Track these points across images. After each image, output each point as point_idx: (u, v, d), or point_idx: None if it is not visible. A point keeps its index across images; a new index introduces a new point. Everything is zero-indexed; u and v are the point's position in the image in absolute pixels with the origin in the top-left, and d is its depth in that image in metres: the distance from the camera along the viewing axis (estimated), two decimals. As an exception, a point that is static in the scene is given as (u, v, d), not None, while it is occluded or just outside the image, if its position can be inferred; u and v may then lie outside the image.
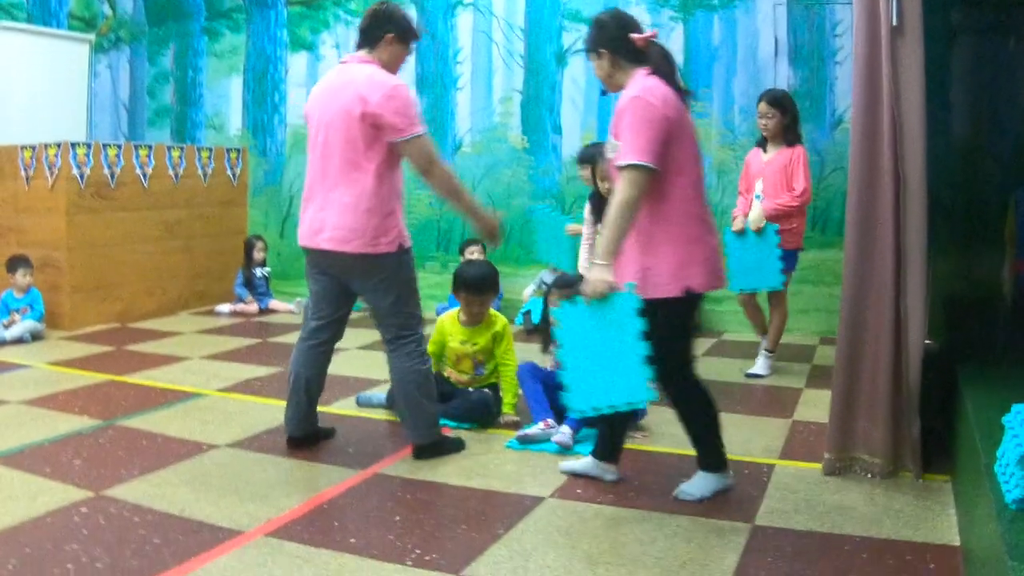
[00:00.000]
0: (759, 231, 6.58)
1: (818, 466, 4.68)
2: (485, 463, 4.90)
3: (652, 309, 4.01)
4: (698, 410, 4.38)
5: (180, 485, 4.56)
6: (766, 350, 6.83)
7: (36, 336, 8.32)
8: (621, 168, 3.99)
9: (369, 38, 4.88)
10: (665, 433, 5.37)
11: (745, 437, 5.28)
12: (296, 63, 10.98)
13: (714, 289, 4.21)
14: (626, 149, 4.00)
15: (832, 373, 4.70)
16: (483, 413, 5.56)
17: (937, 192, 6.74)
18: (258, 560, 3.67)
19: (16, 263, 8.51)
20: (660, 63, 4.20)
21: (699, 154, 4.25)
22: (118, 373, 6.93)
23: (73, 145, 8.76)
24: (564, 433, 5.10)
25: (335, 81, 4.84)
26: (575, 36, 9.43)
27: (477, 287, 5.61)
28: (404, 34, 4.92)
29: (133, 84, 12.05)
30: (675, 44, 8.99)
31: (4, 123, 9.90)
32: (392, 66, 4.88)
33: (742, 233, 6.68)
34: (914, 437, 4.46)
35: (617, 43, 4.26)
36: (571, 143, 9.51)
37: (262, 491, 4.48)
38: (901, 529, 3.92)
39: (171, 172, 9.80)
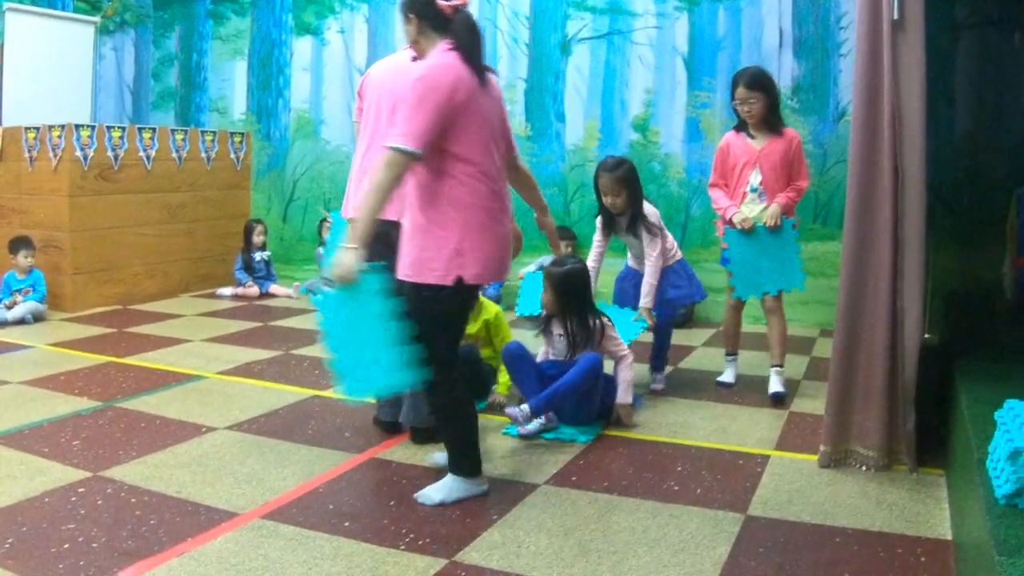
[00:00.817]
0: (775, 228, 5.83)
1: (814, 458, 4.69)
2: (480, 449, 4.91)
3: (423, 294, 3.96)
4: (455, 409, 4.23)
5: (177, 467, 4.58)
6: (776, 365, 5.97)
7: (38, 317, 8.34)
8: (386, 147, 3.81)
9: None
10: (661, 423, 5.39)
11: (741, 428, 5.30)
12: (301, 47, 10.97)
13: (490, 281, 4.07)
14: (396, 130, 3.83)
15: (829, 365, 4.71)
16: (475, 374, 5.51)
17: (939, 187, 6.75)
18: (253, 542, 3.69)
19: (19, 244, 8.53)
20: (463, 36, 4.00)
21: (493, 138, 4.06)
22: (118, 355, 6.95)
23: (77, 127, 8.76)
24: (522, 410, 5.08)
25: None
26: (580, 25, 9.43)
27: None
28: (428, 9, 4.72)
29: (138, 67, 12.05)
30: (680, 34, 9.00)
31: (9, 104, 9.91)
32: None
33: (751, 231, 5.89)
34: (909, 431, 4.46)
35: (424, 8, 4.03)
36: (574, 131, 9.53)
37: (259, 474, 4.50)
38: (894, 522, 3.93)
39: (175, 155, 9.82)
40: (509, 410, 5.08)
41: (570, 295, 5.26)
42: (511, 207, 4.25)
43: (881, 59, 4.34)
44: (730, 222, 5.95)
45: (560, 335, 5.30)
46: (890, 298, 4.39)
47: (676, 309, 6.26)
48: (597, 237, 6.12)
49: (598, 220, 6.10)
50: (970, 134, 7.60)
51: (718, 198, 6.13)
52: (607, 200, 5.89)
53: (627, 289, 6.15)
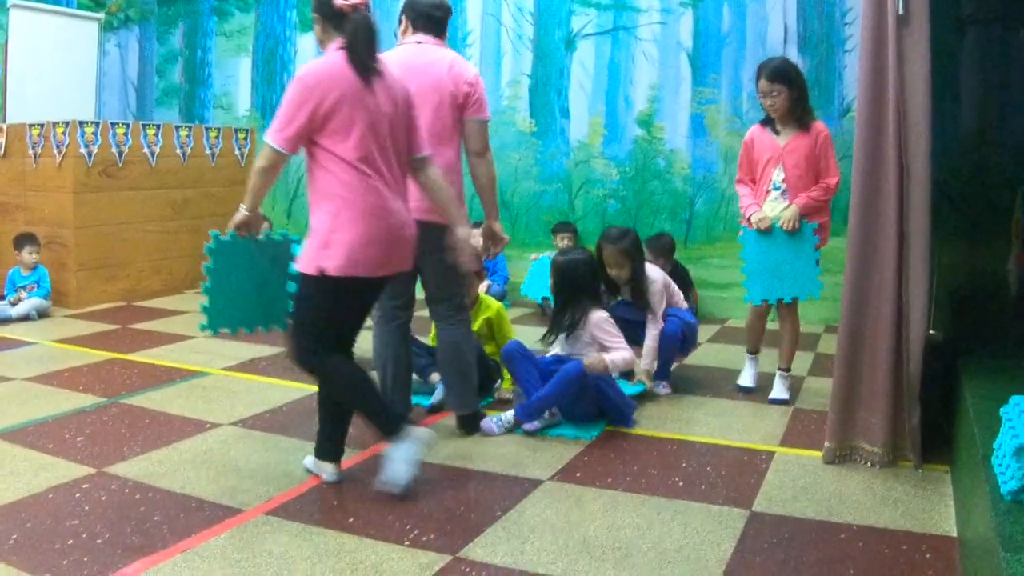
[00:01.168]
0: (794, 230, 5.58)
1: (818, 454, 4.69)
2: (484, 445, 4.91)
3: (302, 281, 4.16)
4: (325, 393, 4.40)
5: (182, 463, 4.58)
6: (782, 369, 5.88)
7: (42, 314, 8.35)
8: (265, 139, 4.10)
9: (443, 30, 5.04)
10: (666, 419, 5.38)
11: (746, 424, 5.29)
12: (305, 44, 10.96)
13: (358, 275, 4.08)
14: (272, 123, 4.06)
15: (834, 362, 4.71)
16: (480, 370, 5.49)
17: (944, 183, 6.74)
18: (257, 538, 3.69)
19: (23, 241, 8.54)
20: (352, 35, 4.06)
21: (380, 135, 4.13)
22: (122, 351, 6.96)
23: (81, 123, 8.76)
24: (500, 421, 5.14)
25: (421, 59, 4.88)
26: (584, 20, 9.42)
27: None
28: (408, 18, 5.08)
29: (142, 63, 12.06)
30: (684, 30, 8.99)
31: (13, 101, 9.93)
32: None
33: (769, 231, 5.62)
34: (914, 427, 4.46)
35: (324, 7, 4.14)
36: (579, 127, 9.53)
37: (263, 470, 4.50)
38: (899, 518, 3.92)
39: (179, 151, 9.81)
40: (485, 423, 5.13)
41: (574, 285, 5.28)
42: (413, 203, 4.45)
43: (886, 55, 4.33)
44: (748, 220, 5.73)
45: (564, 324, 5.30)
46: (895, 294, 4.38)
47: (681, 328, 6.06)
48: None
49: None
50: (975, 130, 7.58)
51: (742, 195, 5.88)
52: (612, 272, 5.83)
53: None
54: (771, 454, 4.78)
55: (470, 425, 5.10)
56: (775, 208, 5.68)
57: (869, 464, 4.54)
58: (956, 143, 7.48)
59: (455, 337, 5.06)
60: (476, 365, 5.15)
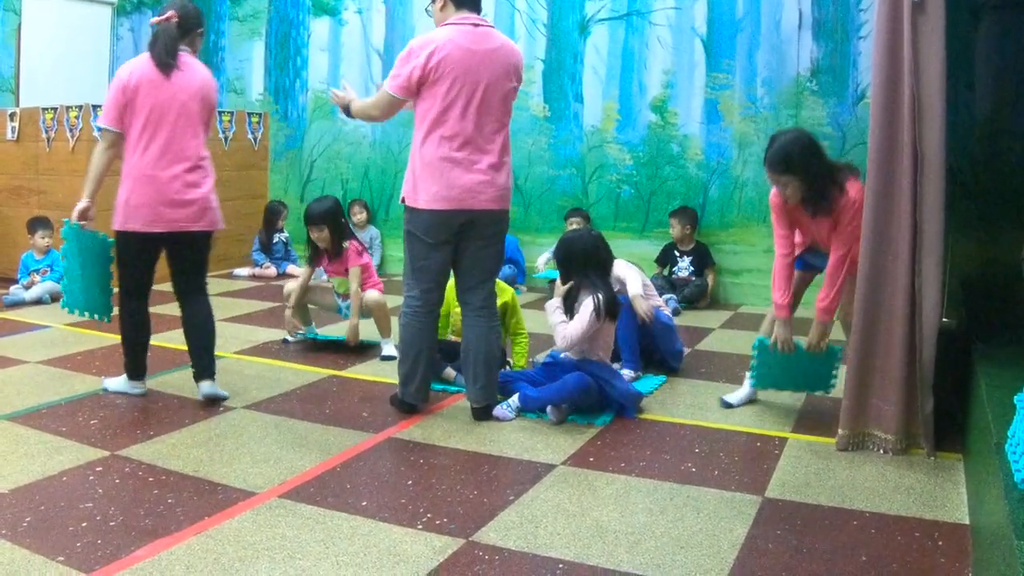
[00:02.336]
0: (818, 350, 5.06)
1: (831, 441, 4.68)
2: (497, 429, 4.92)
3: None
4: (124, 331, 5.37)
5: (195, 446, 4.59)
6: None
7: (55, 297, 8.35)
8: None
9: (479, 4, 5.04)
10: (679, 404, 5.38)
11: (759, 410, 5.30)
12: (319, 28, 10.97)
13: (132, 230, 5.11)
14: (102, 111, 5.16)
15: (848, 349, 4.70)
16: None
17: (958, 171, 6.71)
18: (271, 521, 3.70)
19: (36, 224, 8.57)
20: (151, 42, 5.19)
21: (154, 119, 5.06)
22: (136, 334, 6.97)
23: (94, 107, 8.78)
24: (511, 405, 5.17)
25: (483, 43, 4.88)
26: (598, 5, 9.39)
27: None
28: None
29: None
30: (699, 15, 8.96)
31: (27, 85, 9.94)
32: None
33: (788, 344, 5.04)
34: (927, 415, 4.45)
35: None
36: (593, 112, 9.51)
37: (276, 453, 4.52)
38: (911, 506, 3.92)
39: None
40: (498, 411, 5.15)
41: (572, 260, 5.29)
42: (192, 174, 5.21)
43: (901, 41, 4.31)
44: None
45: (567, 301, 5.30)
46: (909, 282, 4.37)
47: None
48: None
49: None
50: (990, 117, 7.55)
51: (775, 276, 5.07)
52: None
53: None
54: (784, 440, 4.78)
55: (484, 416, 5.11)
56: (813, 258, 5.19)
57: (882, 451, 4.54)
58: (970, 131, 7.45)
59: (485, 330, 5.08)
60: (501, 359, 5.17)
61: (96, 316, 5.44)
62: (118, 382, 5.49)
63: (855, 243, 4.69)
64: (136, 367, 5.42)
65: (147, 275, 5.32)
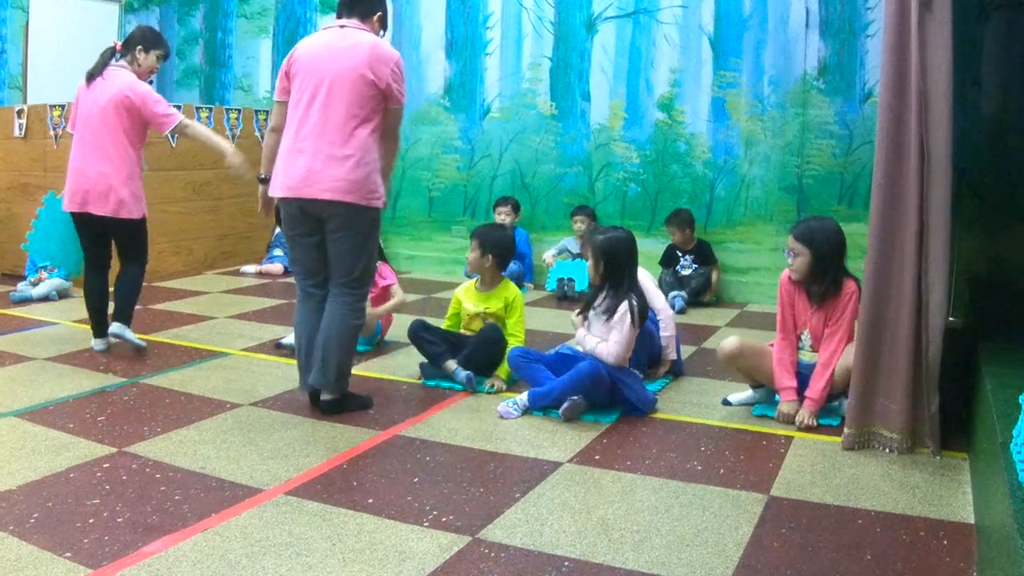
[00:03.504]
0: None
1: (837, 440, 4.69)
2: (504, 427, 4.93)
3: None
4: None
5: (202, 443, 4.61)
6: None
7: (62, 294, 8.40)
8: None
9: (363, 11, 5.17)
10: (684, 403, 5.39)
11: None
12: (326, 25, 10.94)
13: (69, 211, 6.40)
14: None
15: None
16: (495, 343, 5.70)
17: (965, 170, 6.70)
18: (277, 518, 3.71)
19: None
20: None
21: (86, 119, 6.34)
22: (143, 331, 6.98)
23: (103, 104, 8.78)
24: (517, 403, 5.17)
25: (338, 41, 5.05)
26: (605, 3, 9.39)
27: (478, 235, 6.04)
28: (385, 18, 5.31)
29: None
30: (706, 13, 8.96)
31: (34, 82, 9.96)
32: None
33: (789, 420, 5.01)
34: (933, 414, 4.45)
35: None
36: (599, 110, 9.51)
37: (283, 450, 4.53)
38: (916, 505, 3.92)
39: (200, 133, 9.83)
40: (501, 408, 5.15)
41: (615, 262, 5.25)
42: (97, 161, 6.29)
43: (908, 40, 4.31)
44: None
45: (600, 307, 5.27)
46: (915, 280, 4.37)
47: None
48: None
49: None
50: (997, 116, 7.52)
51: (776, 364, 5.16)
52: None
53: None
54: (790, 439, 4.78)
55: (331, 408, 5.13)
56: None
57: (887, 450, 4.54)
58: (977, 130, 7.44)
59: (332, 313, 5.09)
60: (349, 348, 5.18)
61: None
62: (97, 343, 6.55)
63: (845, 341, 4.99)
64: (103, 323, 6.49)
65: (89, 250, 6.57)
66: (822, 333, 5.09)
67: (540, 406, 5.13)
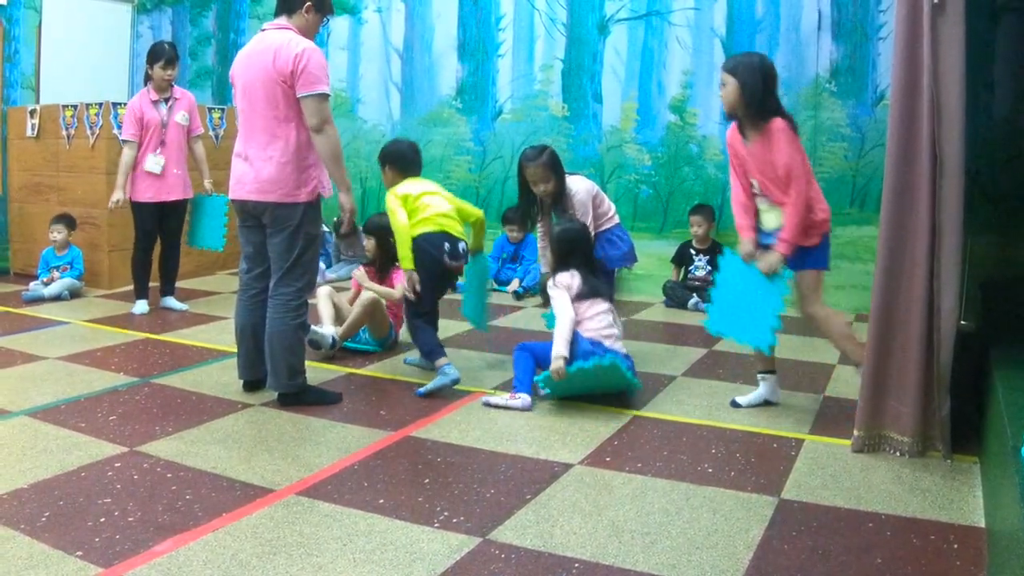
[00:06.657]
0: (770, 276, 5.01)
1: (847, 443, 4.67)
2: (515, 428, 4.93)
3: None
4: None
5: (213, 443, 4.62)
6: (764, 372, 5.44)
7: (74, 293, 8.43)
8: None
9: (289, 6, 5.21)
10: (695, 405, 5.38)
11: (775, 411, 5.28)
12: (338, 26, 10.98)
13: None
14: None
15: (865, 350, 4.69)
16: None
17: (977, 173, 6.69)
18: (288, 518, 3.72)
19: (57, 221, 8.60)
20: None
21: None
22: (154, 331, 7.01)
23: (115, 105, 8.83)
24: (523, 399, 5.28)
25: (255, 47, 5.17)
26: (618, 5, 9.39)
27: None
28: (321, 4, 5.27)
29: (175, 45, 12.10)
30: (718, 16, 8.95)
31: (47, 82, 9.98)
32: (308, 33, 5.24)
33: (751, 258, 5.09)
34: (944, 417, 4.44)
35: None
36: (611, 112, 9.50)
37: (294, 450, 4.54)
38: (927, 508, 3.91)
39: (211, 133, 9.87)
40: (511, 403, 5.25)
41: (570, 253, 5.59)
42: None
43: (921, 43, 4.30)
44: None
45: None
46: (926, 284, 4.36)
47: (616, 268, 6.21)
48: (540, 232, 6.26)
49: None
50: (1009, 119, 7.52)
51: (735, 205, 5.26)
52: (538, 188, 5.96)
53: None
54: (800, 442, 4.78)
55: (289, 402, 5.29)
56: (771, 219, 5.11)
57: (898, 453, 4.53)
58: (990, 133, 7.43)
59: (272, 317, 5.25)
60: (291, 349, 5.26)
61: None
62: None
63: (800, 180, 4.89)
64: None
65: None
66: (769, 176, 4.98)
67: (534, 386, 5.37)
